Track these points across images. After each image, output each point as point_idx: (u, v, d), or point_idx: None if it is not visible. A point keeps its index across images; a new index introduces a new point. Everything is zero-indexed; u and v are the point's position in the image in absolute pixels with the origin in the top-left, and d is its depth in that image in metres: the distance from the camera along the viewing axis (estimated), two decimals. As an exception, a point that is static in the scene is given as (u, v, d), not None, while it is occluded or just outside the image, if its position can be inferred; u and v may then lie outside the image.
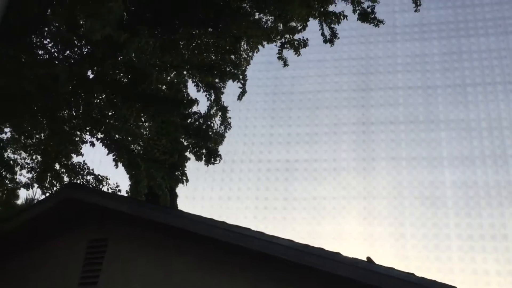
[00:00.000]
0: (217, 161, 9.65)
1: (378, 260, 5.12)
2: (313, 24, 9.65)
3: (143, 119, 9.65)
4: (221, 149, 10.07)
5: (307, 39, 9.86)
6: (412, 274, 4.51)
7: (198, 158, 9.61)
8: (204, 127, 9.68)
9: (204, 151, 9.56)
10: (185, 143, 9.92)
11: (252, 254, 5.38)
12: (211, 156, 9.51)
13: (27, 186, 10.54)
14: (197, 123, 9.77)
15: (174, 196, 14.51)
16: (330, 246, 5.11)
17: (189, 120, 9.71)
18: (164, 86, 9.95)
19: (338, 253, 4.94)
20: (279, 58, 9.95)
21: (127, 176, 9.93)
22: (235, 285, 5.58)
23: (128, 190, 10.49)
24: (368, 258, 4.94)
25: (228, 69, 9.76)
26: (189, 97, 9.78)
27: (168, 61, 8.83)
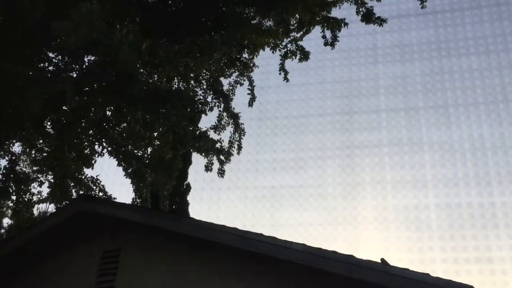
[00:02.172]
0: (223, 172, 9.67)
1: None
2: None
3: (153, 122, 9.63)
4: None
5: (308, 52, 9.85)
6: (428, 274, 4.48)
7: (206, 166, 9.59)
8: (210, 135, 9.63)
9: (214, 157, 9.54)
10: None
11: (266, 259, 5.37)
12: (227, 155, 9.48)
13: (42, 201, 10.62)
14: (203, 130, 9.75)
15: (186, 203, 14.54)
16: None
17: (196, 127, 9.70)
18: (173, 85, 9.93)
19: (352, 256, 4.92)
20: (280, 69, 9.92)
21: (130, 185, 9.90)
22: (250, 291, 5.57)
23: (133, 197, 10.48)
24: (383, 259, 4.92)
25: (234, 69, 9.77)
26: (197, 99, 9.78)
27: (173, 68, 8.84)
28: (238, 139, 10.09)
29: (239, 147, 10.02)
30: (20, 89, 7.45)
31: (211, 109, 10.15)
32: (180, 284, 6.14)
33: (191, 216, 14.59)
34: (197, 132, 9.30)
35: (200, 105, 9.81)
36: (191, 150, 10.12)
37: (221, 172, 9.88)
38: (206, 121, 10.56)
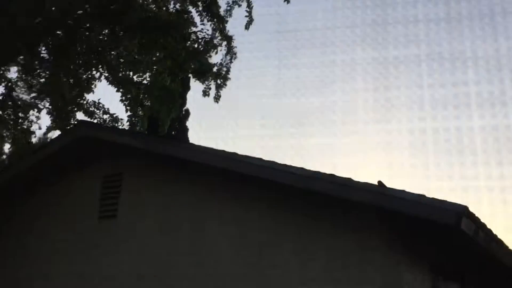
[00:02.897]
0: (219, 97, 9.56)
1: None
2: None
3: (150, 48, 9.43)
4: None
5: None
6: (423, 195, 4.59)
7: (202, 80, 9.46)
8: (202, 49, 9.42)
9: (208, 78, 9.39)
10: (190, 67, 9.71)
11: (266, 183, 5.48)
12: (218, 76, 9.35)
13: (48, 129, 10.63)
14: (196, 45, 9.53)
15: (185, 129, 14.60)
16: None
17: (189, 42, 9.46)
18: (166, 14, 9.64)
19: (350, 179, 5.02)
20: None
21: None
22: (249, 215, 5.74)
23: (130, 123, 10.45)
24: (380, 182, 5.01)
25: None
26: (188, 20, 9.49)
27: None
28: (227, 62, 9.94)
29: (228, 71, 9.91)
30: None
31: (214, 48, 9.81)
32: (179, 206, 6.33)
33: (191, 142, 14.71)
34: (196, 58, 9.12)
35: (201, 41, 9.54)
36: (190, 75, 9.99)
37: (217, 97, 9.81)
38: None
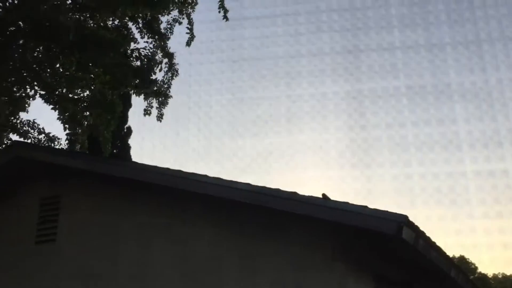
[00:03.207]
0: (161, 115, 9.47)
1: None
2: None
3: (89, 65, 9.21)
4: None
5: None
6: (366, 206, 4.73)
7: (144, 97, 9.35)
8: (146, 66, 9.35)
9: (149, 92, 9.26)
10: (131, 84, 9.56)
11: (212, 200, 5.45)
12: (159, 95, 9.25)
13: None
14: (139, 61, 9.44)
15: (127, 147, 14.27)
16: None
17: (131, 58, 9.36)
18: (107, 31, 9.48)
19: (295, 193, 5.08)
20: (220, 7, 9.51)
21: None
22: (197, 233, 5.67)
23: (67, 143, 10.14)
24: (324, 194, 5.11)
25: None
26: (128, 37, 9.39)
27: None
28: (169, 79, 9.92)
29: (168, 87, 9.90)
30: None
31: (158, 65, 9.71)
32: (123, 227, 6.15)
33: (133, 159, 14.38)
34: (138, 74, 8.99)
35: (144, 58, 9.43)
36: (131, 91, 9.83)
37: (160, 116, 9.72)
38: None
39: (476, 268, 42.37)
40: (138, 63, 9.55)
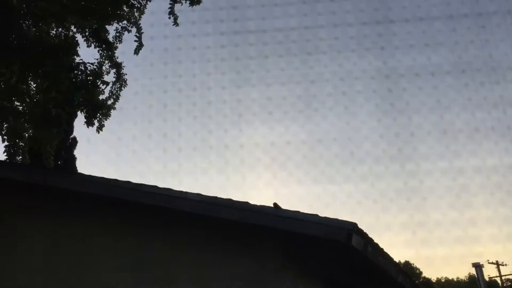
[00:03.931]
0: (102, 126, 9.19)
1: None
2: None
3: (31, 76, 8.84)
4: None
5: None
6: (316, 215, 4.79)
7: (87, 119, 9.04)
8: (90, 80, 9.07)
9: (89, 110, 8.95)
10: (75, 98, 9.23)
11: (162, 211, 5.34)
12: (95, 113, 8.93)
13: None
14: (84, 75, 9.15)
15: (73, 158, 13.81)
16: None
17: (76, 71, 9.07)
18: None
19: (247, 203, 5.07)
20: (170, 13, 9.45)
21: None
22: (146, 245, 5.54)
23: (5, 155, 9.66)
24: (275, 204, 5.14)
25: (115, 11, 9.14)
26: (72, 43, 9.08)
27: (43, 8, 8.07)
28: (117, 90, 9.70)
29: (117, 98, 9.66)
30: None
31: (104, 83, 9.45)
32: (68, 242, 5.90)
33: (79, 171, 13.90)
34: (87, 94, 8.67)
35: (90, 73, 9.14)
36: (76, 110, 9.46)
37: (100, 127, 9.44)
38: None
39: (420, 272, 43.93)
40: (84, 77, 9.24)
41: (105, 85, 9.39)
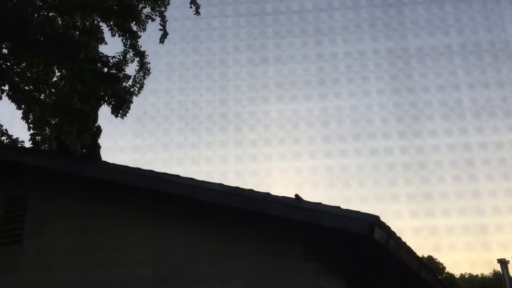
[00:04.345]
0: (126, 112, 9.24)
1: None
2: None
3: (55, 68, 8.99)
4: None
5: None
6: (338, 207, 4.75)
7: (113, 108, 9.13)
8: (114, 72, 9.17)
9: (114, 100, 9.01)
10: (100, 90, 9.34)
11: (184, 200, 5.37)
12: (121, 105, 8.99)
13: None
14: (106, 68, 9.25)
15: (97, 147, 14.01)
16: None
17: (99, 64, 9.17)
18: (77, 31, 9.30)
19: (268, 193, 5.06)
20: (192, 2, 9.46)
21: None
22: (167, 232, 5.59)
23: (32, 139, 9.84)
24: (296, 195, 5.11)
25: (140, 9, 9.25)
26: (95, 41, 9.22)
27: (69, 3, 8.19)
28: (141, 78, 9.76)
29: (141, 87, 9.72)
30: None
31: (126, 77, 9.51)
32: (92, 228, 6.00)
33: (103, 159, 14.11)
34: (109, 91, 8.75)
35: (111, 64, 9.22)
36: (102, 103, 9.57)
37: (124, 113, 9.52)
38: (109, 52, 9.92)
39: (444, 268, 43.38)
40: (106, 69, 9.33)
41: (127, 80, 9.49)
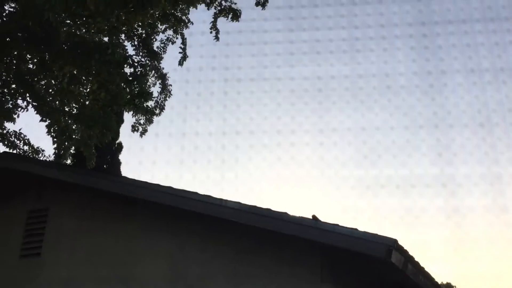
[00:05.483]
0: (145, 131, 9.36)
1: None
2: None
3: (83, 78, 9.15)
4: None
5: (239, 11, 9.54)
6: (356, 229, 4.72)
7: (138, 111, 9.22)
8: (139, 74, 9.28)
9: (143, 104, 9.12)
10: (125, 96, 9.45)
11: (201, 217, 5.41)
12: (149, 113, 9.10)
13: None
14: (132, 69, 9.37)
15: (117, 163, 14.16)
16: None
17: (124, 65, 9.31)
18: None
19: (286, 213, 5.06)
20: (212, 28, 9.59)
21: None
22: (184, 249, 5.61)
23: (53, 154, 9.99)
24: (314, 216, 5.10)
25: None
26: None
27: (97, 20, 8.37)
28: (162, 101, 9.90)
29: (162, 109, 9.85)
30: None
31: (145, 73, 9.68)
32: (111, 242, 6.07)
33: (123, 175, 14.25)
34: (136, 90, 8.89)
35: (136, 65, 9.39)
36: (126, 110, 9.73)
37: (143, 132, 9.65)
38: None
39: (463, 295, 42.19)
40: (131, 70, 9.47)
41: (151, 84, 9.59)
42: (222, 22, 9.75)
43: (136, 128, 9.81)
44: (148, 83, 9.45)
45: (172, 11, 9.67)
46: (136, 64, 9.25)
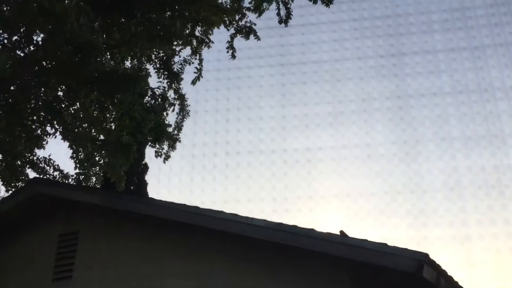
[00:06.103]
0: (168, 156, 9.47)
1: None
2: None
3: (107, 104, 9.36)
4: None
5: (254, 24, 9.64)
6: (385, 244, 4.64)
7: (154, 141, 9.35)
8: (158, 101, 9.45)
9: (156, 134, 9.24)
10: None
11: (228, 235, 5.41)
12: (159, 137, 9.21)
13: None
14: (153, 101, 9.55)
15: (144, 183, 14.34)
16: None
17: (146, 96, 9.49)
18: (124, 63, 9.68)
19: (313, 229, 5.03)
20: (229, 48, 9.71)
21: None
22: (213, 269, 5.61)
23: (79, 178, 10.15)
24: (342, 231, 5.05)
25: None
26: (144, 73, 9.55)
27: (118, 39, 8.57)
28: (181, 121, 10.01)
29: (180, 129, 9.96)
30: None
31: (170, 105, 9.85)
32: (140, 263, 6.11)
33: (150, 196, 14.41)
34: (159, 121, 9.04)
35: (158, 97, 9.58)
36: (150, 138, 9.87)
37: (167, 157, 9.78)
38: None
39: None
40: (153, 101, 9.65)
41: (171, 107, 9.75)
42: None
43: (160, 154, 9.94)
44: (165, 112, 9.58)
45: (192, 32, 9.85)
46: (157, 97, 9.42)
